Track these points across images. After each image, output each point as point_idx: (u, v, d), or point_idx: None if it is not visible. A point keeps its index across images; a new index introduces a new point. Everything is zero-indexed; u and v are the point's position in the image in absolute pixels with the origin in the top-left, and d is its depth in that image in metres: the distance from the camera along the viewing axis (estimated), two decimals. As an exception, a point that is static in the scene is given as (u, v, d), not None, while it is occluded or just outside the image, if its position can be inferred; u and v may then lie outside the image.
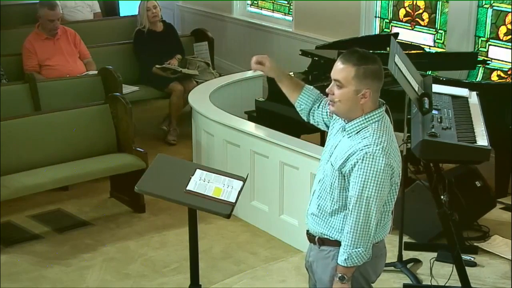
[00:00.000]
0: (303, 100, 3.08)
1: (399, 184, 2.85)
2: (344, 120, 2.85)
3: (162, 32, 7.26)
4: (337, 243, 2.85)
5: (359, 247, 2.75)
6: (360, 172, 2.71)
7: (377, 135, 2.74)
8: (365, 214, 2.73)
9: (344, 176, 2.77)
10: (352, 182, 2.74)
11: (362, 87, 2.74)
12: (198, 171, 3.33)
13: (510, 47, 5.88)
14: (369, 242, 2.77)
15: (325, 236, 2.89)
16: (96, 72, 6.41)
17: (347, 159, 2.75)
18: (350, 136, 2.80)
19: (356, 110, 2.78)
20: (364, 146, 2.72)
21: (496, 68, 5.79)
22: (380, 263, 2.98)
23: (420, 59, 5.59)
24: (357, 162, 2.71)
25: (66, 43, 6.59)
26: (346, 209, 2.80)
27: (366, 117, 2.78)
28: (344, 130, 2.83)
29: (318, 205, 2.90)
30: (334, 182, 2.81)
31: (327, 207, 2.86)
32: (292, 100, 3.13)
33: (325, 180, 2.87)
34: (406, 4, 6.85)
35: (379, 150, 2.70)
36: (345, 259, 2.78)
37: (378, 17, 7.08)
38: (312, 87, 3.11)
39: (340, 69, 2.76)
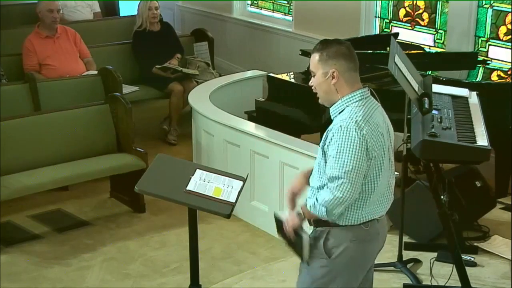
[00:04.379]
0: None
1: (382, 162, 2.90)
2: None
3: (160, 31, 7.25)
4: (327, 224, 2.93)
5: (324, 206, 2.84)
6: (334, 145, 2.82)
7: (353, 111, 2.86)
8: (340, 183, 2.80)
9: (325, 153, 2.89)
10: (329, 155, 2.85)
11: (328, 68, 2.91)
12: (198, 171, 3.33)
13: (510, 47, 5.88)
14: (336, 208, 2.84)
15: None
16: (96, 72, 6.41)
17: (326, 136, 2.89)
18: (333, 119, 2.93)
19: (332, 93, 2.93)
20: (340, 121, 2.85)
21: (496, 68, 5.79)
22: (370, 247, 3.00)
23: (420, 59, 5.60)
24: (333, 136, 2.84)
25: (66, 42, 6.58)
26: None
27: (344, 98, 2.91)
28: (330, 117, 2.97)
29: (311, 187, 3.00)
30: (321, 161, 2.92)
31: (315, 184, 2.95)
32: None
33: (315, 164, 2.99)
34: (406, 4, 6.85)
35: (352, 123, 2.82)
36: (308, 205, 2.92)
37: (378, 17, 7.08)
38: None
39: (310, 60, 2.98)
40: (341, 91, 2.91)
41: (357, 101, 2.89)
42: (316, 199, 2.88)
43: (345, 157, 2.79)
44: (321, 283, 2.98)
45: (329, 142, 2.85)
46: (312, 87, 2.98)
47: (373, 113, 2.89)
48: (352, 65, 2.93)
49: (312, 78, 2.97)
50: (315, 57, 2.93)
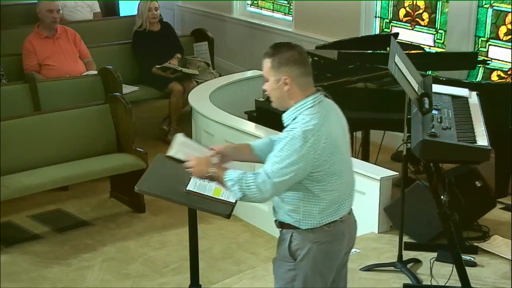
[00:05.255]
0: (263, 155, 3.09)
1: (333, 168, 2.86)
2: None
3: (160, 31, 7.26)
4: (290, 226, 2.94)
5: (242, 191, 2.85)
6: (276, 150, 2.82)
7: (304, 120, 2.82)
8: (268, 182, 2.81)
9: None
10: (270, 156, 2.85)
11: (280, 75, 2.85)
12: (198, 171, 3.32)
13: (510, 47, 5.88)
14: (246, 199, 2.88)
15: (280, 219, 3.01)
16: (96, 72, 6.41)
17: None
18: (286, 127, 2.90)
19: (285, 99, 2.90)
20: (291, 129, 2.83)
21: (496, 68, 5.78)
22: (333, 248, 2.98)
23: (420, 59, 5.59)
24: (280, 142, 2.84)
25: (66, 42, 6.59)
26: (286, 192, 2.90)
27: (296, 106, 2.88)
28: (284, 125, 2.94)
29: None
30: None
31: None
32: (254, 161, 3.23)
33: None
34: (406, 4, 6.85)
35: (299, 133, 2.78)
36: (226, 178, 2.90)
37: (378, 17, 7.08)
38: (259, 142, 3.20)
39: (262, 65, 2.91)
40: (294, 97, 2.87)
41: (309, 108, 2.85)
42: (242, 176, 2.87)
43: (281, 165, 2.78)
44: (292, 286, 2.98)
45: (275, 146, 2.87)
46: (266, 92, 2.94)
47: (325, 118, 2.85)
48: (304, 70, 2.88)
49: (265, 83, 2.93)
50: (267, 63, 2.87)
